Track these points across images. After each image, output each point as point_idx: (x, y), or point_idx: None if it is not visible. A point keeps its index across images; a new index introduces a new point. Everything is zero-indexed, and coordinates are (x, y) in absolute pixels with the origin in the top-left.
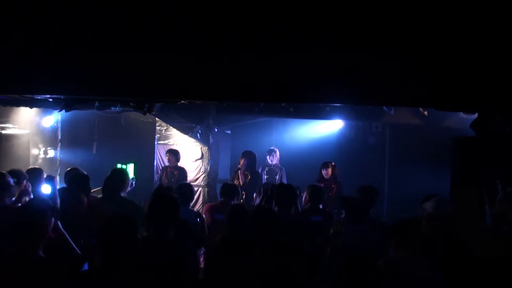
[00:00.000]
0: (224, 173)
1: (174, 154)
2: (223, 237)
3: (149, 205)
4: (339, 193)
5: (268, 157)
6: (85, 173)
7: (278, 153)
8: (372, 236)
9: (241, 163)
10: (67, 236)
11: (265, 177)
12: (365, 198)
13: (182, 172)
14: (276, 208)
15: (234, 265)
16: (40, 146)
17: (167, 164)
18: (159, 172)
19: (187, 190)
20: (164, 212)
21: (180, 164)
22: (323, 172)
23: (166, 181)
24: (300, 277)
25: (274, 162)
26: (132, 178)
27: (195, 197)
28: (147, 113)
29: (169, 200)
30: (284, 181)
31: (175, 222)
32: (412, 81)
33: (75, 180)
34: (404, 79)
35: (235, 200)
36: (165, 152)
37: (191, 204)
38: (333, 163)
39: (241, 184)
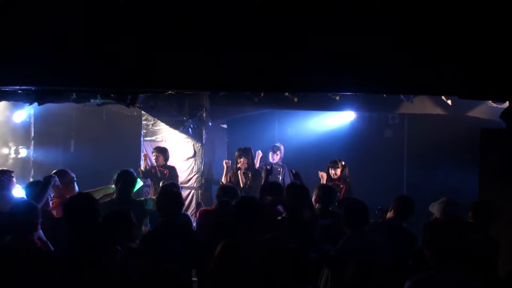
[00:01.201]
0: (220, 173)
1: (162, 152)
2: (228, 244)
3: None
4: (348, 194)
5: (271, 154)
6: (73, 174)
7: (283, 150)
8: (387, 242)
9: (241, 162)
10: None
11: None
12: (401, 210)
13: (173, 171)
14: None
15: (238, 275)
16: (11, 144)
17: (154, 163)
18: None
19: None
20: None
21: (169, 163)
22: (331, 172)
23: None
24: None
25: (276, 160)
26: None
27: (187, 202)
28: (131, 106)
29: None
30: (287, 181)
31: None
32: (434, 66)
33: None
34: (425, 63)
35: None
36: (151, 150)
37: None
38: (343, 163)
39: (241, 186)
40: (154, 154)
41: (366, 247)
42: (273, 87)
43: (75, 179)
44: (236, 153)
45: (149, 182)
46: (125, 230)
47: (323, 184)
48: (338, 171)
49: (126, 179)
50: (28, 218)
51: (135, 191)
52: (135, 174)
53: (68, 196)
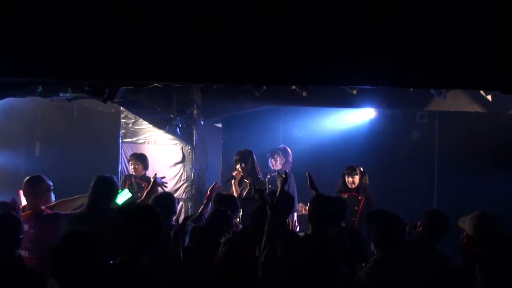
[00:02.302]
0: (213, 181)
1: (141, 160)
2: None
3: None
4: (368, 207)
5: (270, 160)
6: (49, 182)
7: (290, 154)
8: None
9: (237, 170)
10: None
11: (268, 186)
12: (432, 227)
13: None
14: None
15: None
16: None
17: (131, 172)
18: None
19: (167, 201)
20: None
21: (154, 170)
22: (348, 180)
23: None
24: None
25: (277, 167)
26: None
27: (174, 217)
28: (108, 101)
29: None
30: (294, 192)
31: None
32: (472, 56)
33: None
34: (461, 52)
35: (234, 216)
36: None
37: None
38: (361, 169)
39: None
40: (131, 163)
41: (400, 271)
42: (278, 79)
43: (52, 187)
44: (235, 157)
45: None
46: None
47: (333, 197)
48: (356, 179)
49: (100, 187)
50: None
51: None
52: (116, 182)
53: (43, 207)
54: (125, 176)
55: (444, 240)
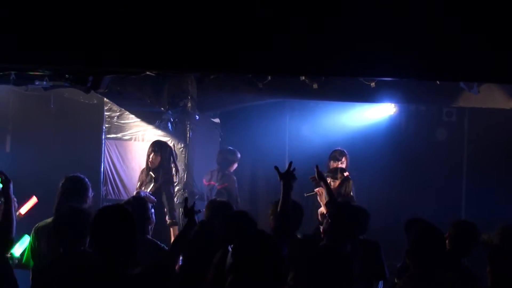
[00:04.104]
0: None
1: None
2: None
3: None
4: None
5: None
6: None
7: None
8: None
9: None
10: None
11: None
12: (459, 240)
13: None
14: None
15: None
16: None
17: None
18: (109, 182)
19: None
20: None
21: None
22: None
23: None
24: None
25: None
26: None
27: None
28: (91, 91)
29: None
30: None
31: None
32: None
33: None
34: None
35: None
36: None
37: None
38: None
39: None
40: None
41: None
42: (285, 69)
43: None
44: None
45: None
46: None
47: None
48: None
49: (69, 188)
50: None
51: None
52: (87, 183)
53: None
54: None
55: (473, 256)
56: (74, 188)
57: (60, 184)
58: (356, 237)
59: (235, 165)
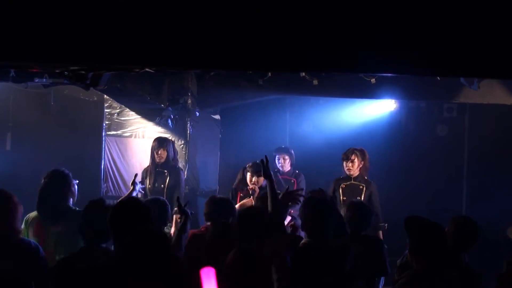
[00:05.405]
0: (210, 181)
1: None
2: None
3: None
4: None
5: (277, 158)
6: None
7: (293, 153)
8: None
9: (254, 182)
10: None
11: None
12: (460, 236)
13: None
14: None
15: None
16: None
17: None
18: (109, 179)
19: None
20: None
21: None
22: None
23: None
24: None
25: (287, 167)
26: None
27: None
28: (91, 88)
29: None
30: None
31: None
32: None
33: None
34: (497, 35)
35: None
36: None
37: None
38: (357, 153)
39: None
40: (156, 149)
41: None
42: (286, 65)
43: None
44: (249, 171)
45: None
46: None
47: (355, 202)
48: (355, 164)
49: (52, 182)
50: None
51: None
52: (71, 178)
53: None
54: (145, 168)
55: (473, 252)
56: (56, 183)
57: (42, 179)
58: (344, 232)
59: None
